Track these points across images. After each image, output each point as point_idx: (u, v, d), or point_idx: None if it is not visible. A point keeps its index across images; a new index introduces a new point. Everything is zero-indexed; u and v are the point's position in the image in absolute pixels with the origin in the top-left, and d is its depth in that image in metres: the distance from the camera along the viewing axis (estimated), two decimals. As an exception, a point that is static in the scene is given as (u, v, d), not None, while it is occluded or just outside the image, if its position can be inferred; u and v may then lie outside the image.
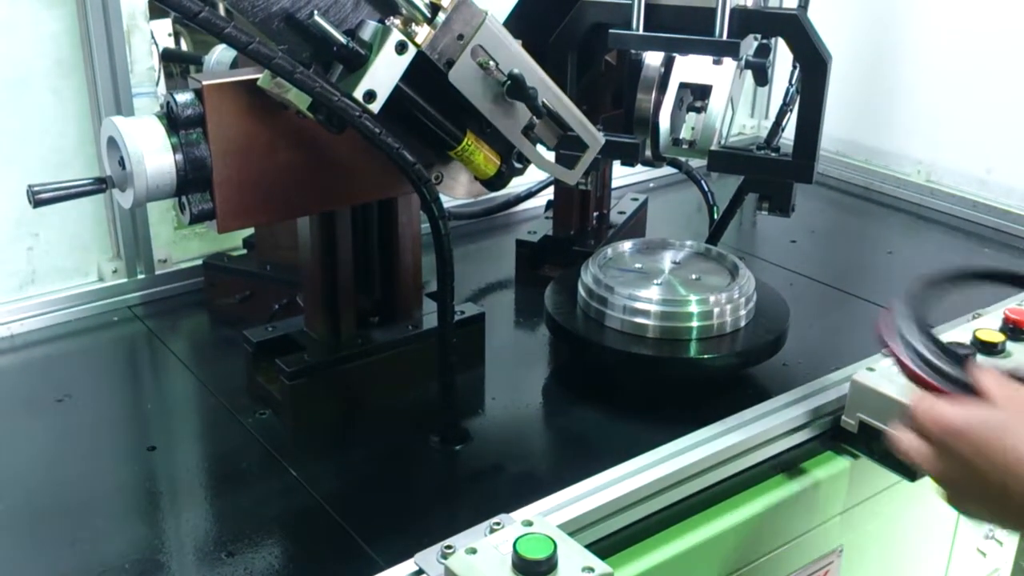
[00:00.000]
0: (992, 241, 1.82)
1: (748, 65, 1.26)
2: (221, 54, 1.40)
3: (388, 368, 1.22)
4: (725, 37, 1.11)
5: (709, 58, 1.24)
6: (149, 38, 1.44)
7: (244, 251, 1.50)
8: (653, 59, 1.27)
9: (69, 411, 1.22)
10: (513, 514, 0.91)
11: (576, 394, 1.27)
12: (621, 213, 1.67)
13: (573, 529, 0.94)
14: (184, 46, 1.76)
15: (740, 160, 1.22)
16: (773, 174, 1.18)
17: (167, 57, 1.64)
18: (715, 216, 1.55)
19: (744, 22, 1.12)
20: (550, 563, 0.80)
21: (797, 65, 1.21)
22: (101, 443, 1.18)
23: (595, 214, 1.62)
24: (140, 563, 0.96)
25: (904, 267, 1.71)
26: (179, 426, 1.23)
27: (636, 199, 1.74)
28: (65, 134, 1.40)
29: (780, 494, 1.11)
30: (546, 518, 0.90)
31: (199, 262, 1.49)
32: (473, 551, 0.83)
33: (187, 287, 1.51)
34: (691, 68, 1.26)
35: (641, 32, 1.14)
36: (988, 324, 1.24)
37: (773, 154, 1.19)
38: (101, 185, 0.96)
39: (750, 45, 1.21)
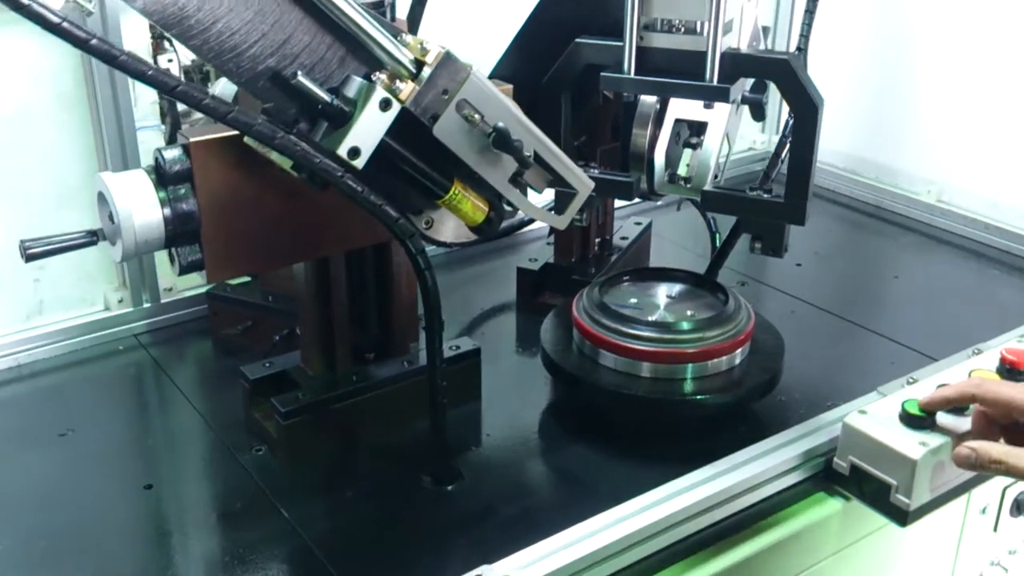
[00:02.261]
0: (1001, 263, 1.80)
1: (745, 101, 1.26)
2: (225, 87, 1.41)
3: (383, 405, 1.23)
4: (715, 82, 1.11)
5: (703, 97, 1.24)
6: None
7: (247, 279, 1.51)
8: (649, 95, 1.27)
9: (71, 446, 1.24)
10: (496, 565, 0.93)
11: (572, 431, 1.27)
12: (624, 239, 1.67)
13: (563, 577, 0.95)
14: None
15: (733, 201, 1.22)
16: (765, 215, 1.18)
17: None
18: (716, 244, 1.55)
19: (735, 66, 1.11)
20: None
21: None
22: (100, 480, 1.20)
23: (597, 240, 1.62)
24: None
25: (909, 294, 1.70)
26: (177, 462, 1.25)
27: (639, 223, 1.74)
28: (69, 169, 1.42)
29: (774, 535, 1.10)
30: (535, 565, 0.92)
31: (203, 290, 1.51)
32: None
33: (191, 315, 1.53)
34: (687, 104, 1.26)
35: (632, 76, 1.14)
36: (986, 363, 1.23)
37: (765, 195, 1.19)
38: (93, 238, 0.97)
39: (744, 85, 1.20)
